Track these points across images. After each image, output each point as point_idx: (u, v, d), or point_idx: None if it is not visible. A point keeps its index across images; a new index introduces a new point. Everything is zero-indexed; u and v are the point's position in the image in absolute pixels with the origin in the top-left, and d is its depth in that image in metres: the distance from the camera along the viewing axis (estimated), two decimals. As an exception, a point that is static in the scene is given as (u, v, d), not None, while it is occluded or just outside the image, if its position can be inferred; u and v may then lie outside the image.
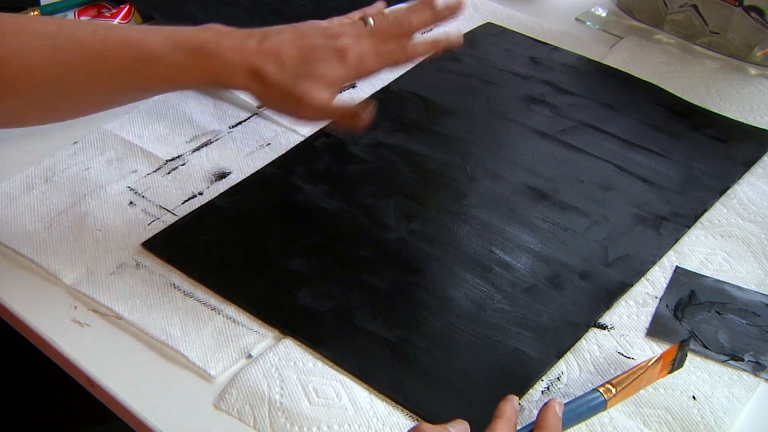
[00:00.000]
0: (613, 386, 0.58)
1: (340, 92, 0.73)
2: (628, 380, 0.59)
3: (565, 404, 0.57)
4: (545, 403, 0.56)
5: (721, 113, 0.88)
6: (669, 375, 0.61)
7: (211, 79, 0.68)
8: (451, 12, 0.75)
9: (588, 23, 1.03)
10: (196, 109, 0.87)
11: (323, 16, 0.99)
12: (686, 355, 0.62)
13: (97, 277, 0.69)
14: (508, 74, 0.92)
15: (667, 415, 0.60)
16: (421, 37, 0.74)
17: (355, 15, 0.74)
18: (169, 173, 0.79)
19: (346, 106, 0.71)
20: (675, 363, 0.61)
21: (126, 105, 0.75)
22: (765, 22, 0.91)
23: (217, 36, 0.68)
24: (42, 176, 0.77)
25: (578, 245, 0.72)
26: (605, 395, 0.58)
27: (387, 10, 0.76)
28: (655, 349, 0.64)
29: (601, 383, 0.59)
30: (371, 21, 0.72)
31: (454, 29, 0.98)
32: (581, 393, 0.61)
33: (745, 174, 0.80)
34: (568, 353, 0.64)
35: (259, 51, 0.68)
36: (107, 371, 0.63)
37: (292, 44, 0.69)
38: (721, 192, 0.78)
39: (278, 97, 0.69)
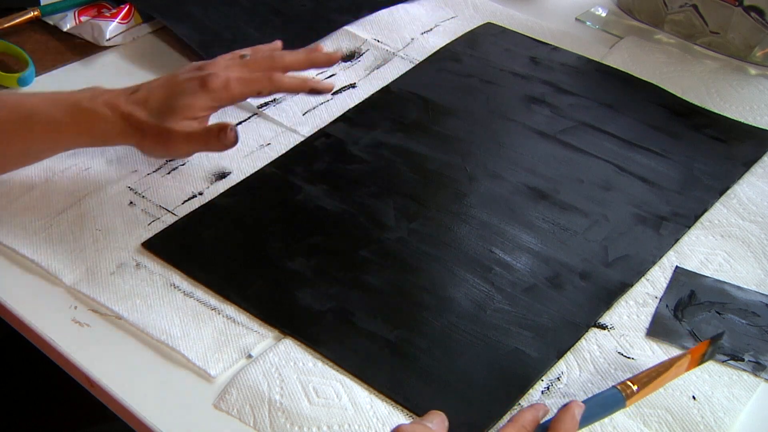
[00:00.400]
0: (633, 383, 0.58)
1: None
2: (651, 377, 0.58)
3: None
4: (565, 405, 0.56)
5: (721, 113, 0.88)
6: (698, 367, 0.61)
7: (88, 133, 0.72)
8: (328, 60, 0.80)
9: (588, 23, 1.03)
10: (196, 109, 0.87)
11: (323, 16, 0.99)
12: (718, 348, 0.62)
13: (97, 277, 0.69)
14: (508, 74, 0.92)
15: (667, 415, 0.60)
16: (292, 73, 0.77)
17: (241, 51, 0.78)
18: (169, 173, 0.79)
19: (209, 127, 0.73)
20: (705, 356, 0.61)
21: (18, 167, 0.76)
22: (765, 22, 0.91)
23: (92, 93, 0.73)
24: (42, 176, 0.77)
25: (578, 245, 0.72)
26: (624, 392, 0.57)
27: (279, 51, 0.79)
28: (655, 349, 0.64)
29: (620, 380, 0.59)
30: (247, 54, 0.77)
31: (452, 30, 0.99)
32: (581, 393, 0.61)
33: (745, 174, 0.80)
34: (568, 353, 0.64)
35: (128, 101, 0.72)
36: (107, 371, 0.63)
37: (160, 88, 0.73)
38: (721, 192, 0.78)
39: (151, 140, 0.72)
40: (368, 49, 0.96)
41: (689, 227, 0.75)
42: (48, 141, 0.72)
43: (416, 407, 0.60)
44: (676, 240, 0.73)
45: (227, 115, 0.86)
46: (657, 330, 0.66)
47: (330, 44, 0.96)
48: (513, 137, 0.84)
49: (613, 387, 0.58)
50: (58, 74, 0.91)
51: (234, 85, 0.74)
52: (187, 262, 0.70)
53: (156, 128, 0.72)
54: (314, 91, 0.78)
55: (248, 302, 0.67)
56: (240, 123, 0.85)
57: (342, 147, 0.82)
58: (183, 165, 0.80)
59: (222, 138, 0.72)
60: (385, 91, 0.90)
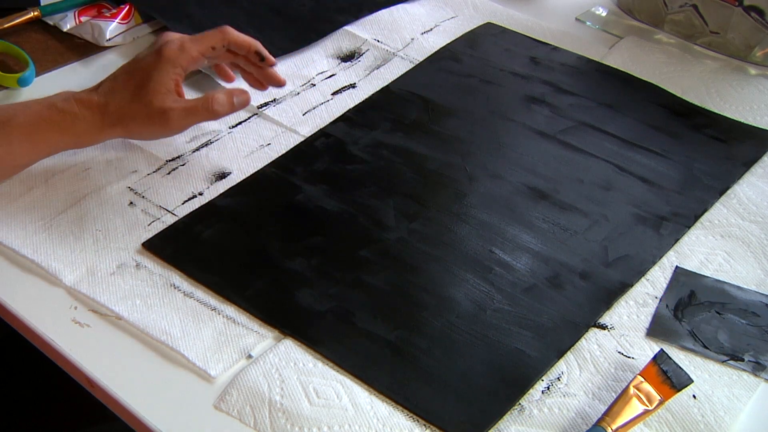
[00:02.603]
0: (610, 422, 0.57)
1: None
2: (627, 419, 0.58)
3: None
4: None
5: (721, 113, 0.88)
6: (679, 392, 0.60)
7: (68, 133, 0.73)
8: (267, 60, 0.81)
9: (588, 23, 1.03)
10: (196, 109, 0.87)
11: (323, 16, 0.99)
12: (677, 368, 0.60)
13: (97, 278, 0.69)
14: (508, 74, 0.92)
15: (667, 414, 0.60)
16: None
17: None
18: (169, 173, 0.79)
19: (203, 97, 0.76)
20: (671, 379, 0.59)
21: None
22: (765, 22, 0.91)
23: (65, 95, 0.74)
24: (42, 176, 0.77)
25: (578, 245, 0.72)
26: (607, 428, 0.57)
27: None
28: (655, 349, 0.64)
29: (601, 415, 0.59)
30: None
31: (452, 30, 0.99)
32: (582, 393, 0.61)
33: (745, 174, 0.80)
34: (568, 353, 0.64)
35: (98, 94, 0.74)
36: (107, 371, 0.63)
37: (123, 74, 0.75)
38: (721, 192, 0.78)
39: (142, 122, 0.74)
40: (368, 49, 0.96)
41: (689, 227, 0.75)
42: (27, 145, 0.72)
43: (416, 407, 0.60)
44: (676, 240, 0.73)
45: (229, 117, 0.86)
46: (657, 330, 0.66)
47: (330, 44, 0.96)
48: (513, 137, 0.84)
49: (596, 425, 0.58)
50: (58, 74, 0.91)
51: (188, 45, 0.76)
52: (187, 262, 0.70)
53: (145, 110, 0.73)
54: (259, 56, 0.80)
55: (248, 302, 0.67)
56: (240, 123, 0.85)
57: (342, 147, 0.82)
58: (183, 165, 0.80)
59: (215, 104, 0.75)
60: (385, 91, 0.90)
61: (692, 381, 0.60)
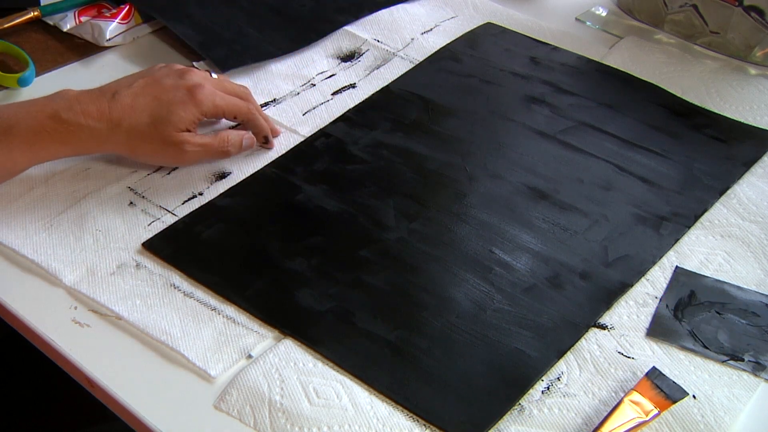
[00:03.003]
0: None
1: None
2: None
3: None
4: None
5: (721, 113, 0.88)
6: (675, 404, 0.60)
7: (70, 144, 0.72)
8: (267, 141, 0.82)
9: (588, 23, 1.03)
10: (196, 109, 0.87)
11: (323, 16, 0.99)
12: (671, 384, 0.60)
13: (97, 278, 0.69)
14: (508, 74, 0.92)
15: (667, 414, 0.60)
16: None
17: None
18: (169, 173, 0.79)
19: (218, 137, 0.77)
20: (665, 392, 0.60)
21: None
22: (765, 22, 0.91)
23: (68, 102, 0.72)
24: (42, 176, 0.77)
25: (578, 245, 0.72)
26: None
27: None
28: (655, 349, 0.64)
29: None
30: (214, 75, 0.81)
31: (452, 30, 0.99)
32: (582, 393, 0.61)
33: (745, 174, 0.80)
34: (568, 353, 0.64)
35: (113, 107, 0.72)
36: (107, 371, 0.63)
37: (144, 93, 0.74)
38: (721, 192, 0.78)
39: (153, 148, 0.74)
40: (368, 49, 0.96)
41: (689, 227, 0.75)
42: (28, 153, 0.72)
43: (416, 407, 0.60)
44: (676, 240, 0.73)
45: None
46: (657, 330, 0.66)
47: (330, 44, 0.96)
48: (513, 137, 0.84)
49: None
50: (58, 74, 0.91)
51: (220, 101, 0.77)
52: (187, 262, 0.70)
53: (161, 138, 0.73)
54: (265, 139, 0.81)
55: (248, 302, 0.67)
56: (239, 123, 0.85)
57: (342, 147, 0.82)
58: (183, 165, 0.80)
59: (229, 145, 0.78)
60: (385, 91, 0.90)
61: (687, 394, 0.60)
